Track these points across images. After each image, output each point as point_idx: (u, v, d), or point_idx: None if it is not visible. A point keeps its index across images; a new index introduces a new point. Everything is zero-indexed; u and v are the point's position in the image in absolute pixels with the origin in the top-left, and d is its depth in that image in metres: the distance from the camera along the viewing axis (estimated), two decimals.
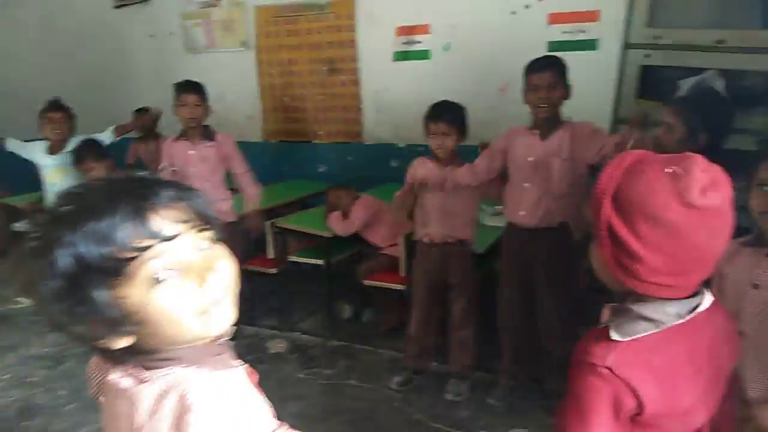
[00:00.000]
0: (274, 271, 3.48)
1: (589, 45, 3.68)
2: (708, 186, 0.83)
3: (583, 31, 3.70)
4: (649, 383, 0.86)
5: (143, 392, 0.70)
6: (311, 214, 3.65)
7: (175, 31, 4.96)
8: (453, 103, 2.65)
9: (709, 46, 3.10)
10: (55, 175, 3.65)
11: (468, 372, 2.75)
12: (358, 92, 4.51)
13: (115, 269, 0.65)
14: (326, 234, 3.30)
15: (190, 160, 3.12)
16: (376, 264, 3.29)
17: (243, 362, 0.81)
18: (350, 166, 4.63)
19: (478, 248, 2.77)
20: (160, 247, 0.67)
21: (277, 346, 3.32)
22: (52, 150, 3.66)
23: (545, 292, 2.43)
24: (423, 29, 4.13)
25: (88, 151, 3.36)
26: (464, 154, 2.70)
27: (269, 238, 3.44)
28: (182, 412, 0.67)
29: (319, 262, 3.36)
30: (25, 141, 3.93)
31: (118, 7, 5.15)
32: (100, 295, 0.65)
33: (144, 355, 0.72)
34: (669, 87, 3.19)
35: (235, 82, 4.84)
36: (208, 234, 0.73)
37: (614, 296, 0.99)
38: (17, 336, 3.56)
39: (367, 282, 3.23)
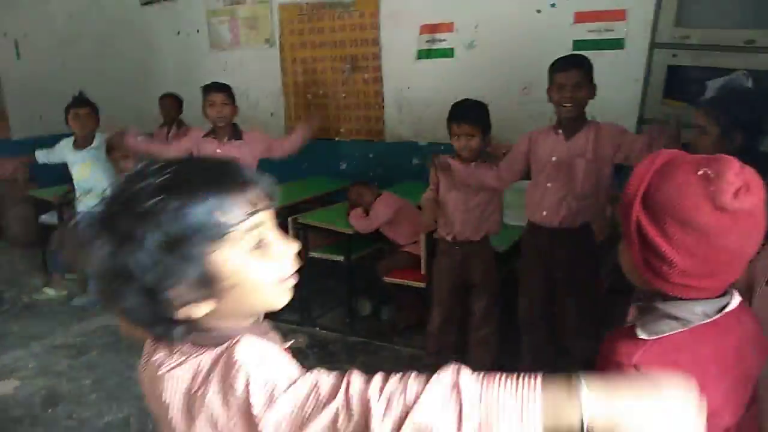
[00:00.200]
0: None
1: (616, 44, 3.63)
2: (741, 189, 0.82)
3: (610, 30, 3.65)
4: None
5: (193, 368, 0.72)
6: (332, 211, 3.67)
7: (200, 29, 5.01)
8: (475, 102, 2.61)
9: (738, 46, 3.04)
10: (83, 171, 3.72)
11: (489, 371, 2.73)
12: (380, 90, 4.52)
13: (218, 233, 0.70)
14: (347, 231, 3.31)
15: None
16: (396, 261, 3.29)
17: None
18: (371, 163, 4.64)
19: (500, 247, 2.76)
20: (254, 218, 0.73)
21: (297, 340, 3.34)
22: (78, 145, 3.72)
23: (566, 292, 2.40)
24: (447, 27, 4.12)
25: (121, 141, 3.43)
26: None
27: (290, 234, 3.46)
28: (228, 372, 0.69)
29: (340, 258, 3.38)
30: (52, 137, 4.01)
31: (145, 4, 5.23)
32: (203, 255, 0.69)
33: (202, 333, 0.75)
34: (696, 87, 3.15)
35: (258, 79, 4.88)
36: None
37: (640, 295, 0.98)
38: (43, 326, 3.63)
39: (387, 279, 3.23)
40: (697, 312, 0.88)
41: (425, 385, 0.67)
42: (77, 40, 5.68)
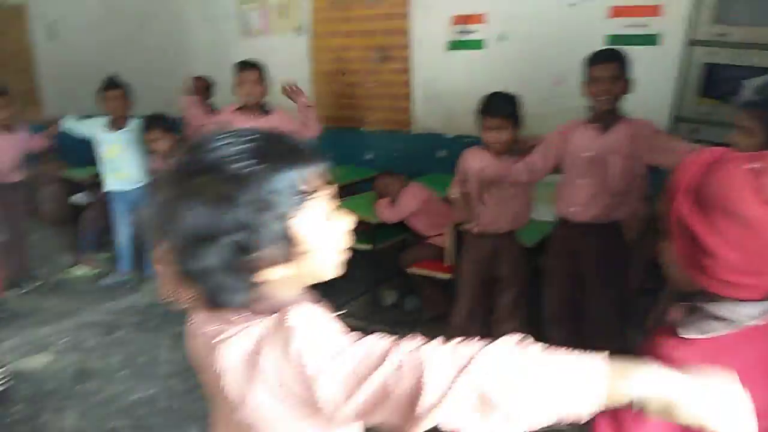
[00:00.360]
0: None
1: (650, 40, 3.58)
2: None
3: (645, 26, 3.60)
4: None
5: (248, 337, 0.75)
6: (358, 200, 3.69)
7: (231, 15, 5.04)
8: (506, 94, 2.60)
9: None
10: (113, 151, 3.79)
11: None
12: (408, 80, 4.51)
13: (301, 198, 0.75)
14: (372, 220, 3.33)
15: None
16: (421, 252, 3.30)
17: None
18: (397, 154, 4.64)
19: (528, 242, 2.75)
20: (326, 190, 0.80)
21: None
22: (112, 126, 3.78)
23: (594, 290, 2.39)
24: (478, 18, 4.09)
25: (157, 123, 3.50)
26: None
27: None
28: (283, 337, 0.72)
29: (365, 247, 3.40)
30: (87, 117, 4.06)
31: None
32: (288, 218, 0.74)
33: (261, 301, 0.77)
34: (733, 86, 3.10)
35: (287, 67, 4.88)
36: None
37: (680, 296, 0.98)
38: (73, 303, 3.72)
39: (411, 270, 3.25)
40: (742, 314, 0.88)
41: (481, 347, 0.69)
42: (110, 22, 5.75)
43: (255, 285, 0.75)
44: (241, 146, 0.73)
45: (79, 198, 4.49)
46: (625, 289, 2.41)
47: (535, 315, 2.68)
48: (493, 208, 2.57)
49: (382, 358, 0.69)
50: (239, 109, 3.24)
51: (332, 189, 0.82)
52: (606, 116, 2.32)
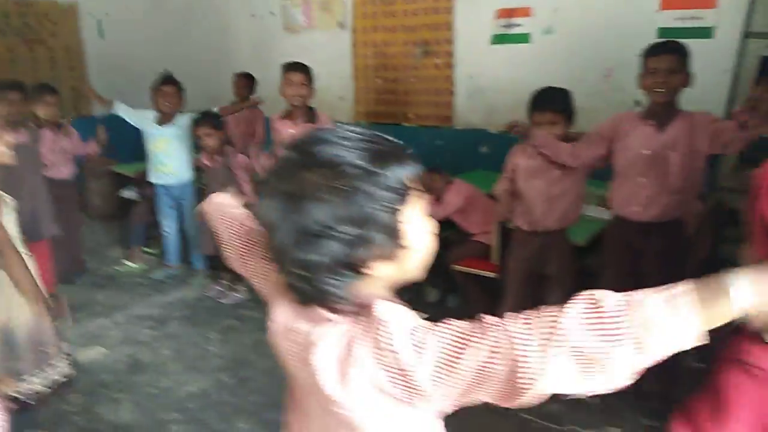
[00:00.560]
0: None
1: (704, 33, 3.47)
2: None
3: (699, 18, 3.50)
4: None
5: (341, 334, 0.77)
6: None
7: (275, 11, 5.09)
8: (557, 88, 2.54)
9: None
10: (160, 144, 3.86)
11: None
12: (451, 75, 4.48)
13: (405, 193, 0.77)
14: None
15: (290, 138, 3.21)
16: (466, 250, 3.28)
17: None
18: (439, 150, 4.62)
19: (578, 240, 2.71)
20: (420, 190, 0.80)
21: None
22: (161, 121, 3.85)
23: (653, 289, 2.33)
24: (524, 12, 4.04)
25: (208, 119, 3.56)
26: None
27: None
28: (375, 331, 0.74)
29: None
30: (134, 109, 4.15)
31: None
32: (397, 211, 0.76)
33: (354, 299, 0.79)
34: None
35: (329, 62, 4.92)
36: None
37: None
38: (125, 296, 3.82)
39: (457, 267, 3.23)
40: None
41: (564, 310, 0.69)
42: (156, 19, 5.85)
43: (357, 281, 0.77)
44: (351, 143, 0.76)
45: (127, 193, 4.60)
46: None
47: None
48: (542, 205, 2.53)
49: (474, 339, 0.71)
50: (285, 116, 3.26)
51: (423, 190, 0.82)
52: (663, 111, 2.26)
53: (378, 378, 0.73)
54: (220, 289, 3.80)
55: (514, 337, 0.69)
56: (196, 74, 5.21)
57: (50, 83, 4.29)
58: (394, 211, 0.76)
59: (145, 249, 4.38)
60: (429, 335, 0.73)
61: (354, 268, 0.76)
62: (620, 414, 2.53)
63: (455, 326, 0.73)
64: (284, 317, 0.86)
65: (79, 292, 3.86)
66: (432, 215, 0.84)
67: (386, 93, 4.83)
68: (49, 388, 2.20)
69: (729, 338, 0.93)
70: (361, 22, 4.75)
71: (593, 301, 0.69)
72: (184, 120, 3.79)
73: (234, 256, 1.10)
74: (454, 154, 4.50)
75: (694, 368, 2.69)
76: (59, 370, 2.29)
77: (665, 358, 0.68)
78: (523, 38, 4.08)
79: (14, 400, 2.01)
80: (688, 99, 2.39)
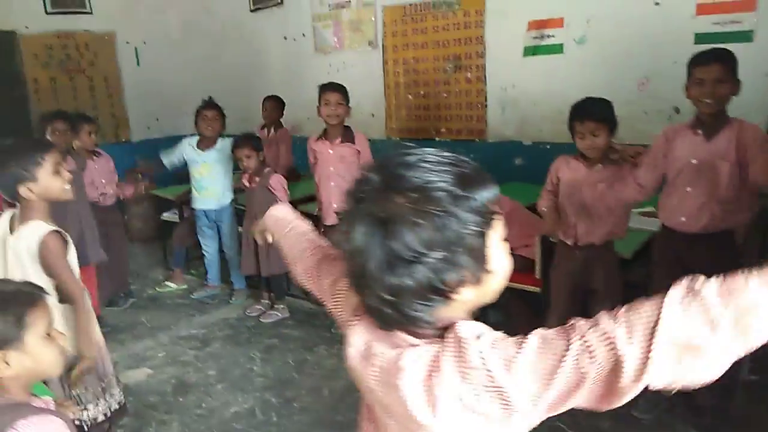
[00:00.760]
0: None
1: (744, 36, 3.40)
2: None
3: (737, 22, 3.43)
4: None
5: (424, 357, 0.77)
6: None
7: (306, 33, 5.17)
8: (598, 98, 2.50)
9: None
10: (202, 170, 3.93)
11: None
12: (483, 89, 4.47)
13: (490, 217, 0.76)
14: None
15: (329, 159, 3.26)
16: None
17: None
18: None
19: (624, 252, 2.65)
20: (500, 213, 0.79)
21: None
22: (202, 145, 3.93)
23: None
24: (557, 23, 4.01)
25: (249, 141, 3.63)
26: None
27: None
28: (459, 350, 0.74)
29: None
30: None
31: (254, 10, 5.45)
32: (485, 236, 0.76)
33: (438, 323, 0.79)
34: None
35: (361, 80, 4.96)
36: None
37: None
38: (167, 317, 3.88)
39: None
40: None
41: (658, 301, 0.69)
42: (190, 45, 6.02)
43: (443, 306, 0.77)
44: (437, 167, 0.75)
45: (168, 215, 4.69)
46: None
47: None
48: (586, 220, 2.49)
49: (566, 345, 0.70)
50: (321, 136, 3.31)
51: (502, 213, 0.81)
52: (710, 120, 2.21)
53: (469, 398, 0.73)
54: (260, 308, 3.84)
55: (613, 335, 0.68)
56: (229, 97, 5.28)
57: (89, 111, 4.44)
58: (481, 235, 0.75)
59: (186, 270, 4.45)
60: (519, 349, 0.72)
61: (442, 293, 0.75)
62: (673, 429, 2.46)
63: (542, 334, 0.73)
64: (363, 341, 0.86)
65: (123, 314, 3.94)
66: None
67: (418, 109, 4.84)
68: (106, 416, 2.24)
69: None
70: (391, 40, 4.78)
71: (692, 290, 0.68)
72: (224, 144, 3.86)
73: (305, 272, 1.11)
74: (489, 168, 4.24)
75: (749, 381, 2.61)
76: (116, 398, 2.33)
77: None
78: (556, 49, 4.06)
79: (77, 427, 2.05)
80: (729, 104, 2.34)
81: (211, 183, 3.94)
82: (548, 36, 4.08)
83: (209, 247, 4.12)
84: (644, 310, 0.69)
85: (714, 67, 2.14)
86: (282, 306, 3.79)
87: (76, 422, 1.98)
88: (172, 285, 4.31)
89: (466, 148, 4.64)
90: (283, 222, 1.24)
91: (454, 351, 0.75)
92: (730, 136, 2.17)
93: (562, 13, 3.98)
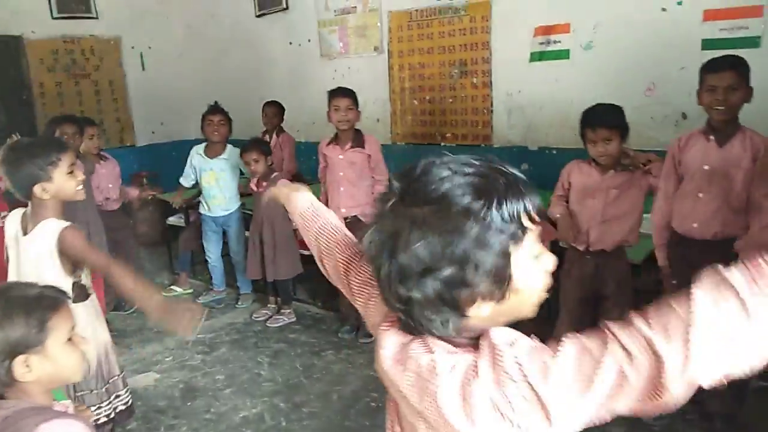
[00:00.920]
0: None
1: (751, 42, 3.41)
2: None
3: (744, 28, 3.44)
4: None
5: (459, 366, 0.75)
6: None
7: (312, 38, 5.18)
8: (610, 105, 2.51)
9: None
10: (209, 178, 3.93)
11: None
12: (489, 94, 4.48)
13: (518, 234, 0.72)
14: None
15: (339, 164, 3.26)
16: None
17: None
18: None
19: (635, 258, 2.65)
20: (537, 226, 0.75)
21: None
22: (210, 152, 3.93)
23: None
24: (563, 28, 4.02)
25: (257, 145, 3.64)
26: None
27: None
28: (494, 357, 0.72)
29: None
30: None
31: (259, 16, 5.46)
32: (507, 253, 0.72)
33: (465, 332, 0.78)
34: None
35: (366, 86, 4.96)
36: None
37: None
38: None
39: None
40: None
41: (687, 297, 0.67)
42: (195, 50, 6.03)
43: (460, 318, 0.76)
44: (466, 178, 0.73)
45: (174, 219, 4.69)
46: None
47: None
48: (598, 226, 2.49)
49: (603, 350, 0.69)
50: (332, 140, 3.31)
51: (540, 225, 0.78)
52: (723, 126, 2.22)
53: (506, 406, 0.71)
54: (267, 312, 3.83)
55: (650, 336, 0.67)
56: (233, 102, 5.29)
57: (94, 116, 4.45)
58: (501, 254, 0.72)
59: (192, 274, 4.44)
60: (555, 356, 0.71)
61: (454, 307, 0.74)
62: None
63: (576, 341, 0.72)
64: (397, 345, 0.84)
65: (129, 318, 3.93)
66: None
67: (423, 114, 4.85)
68: (109, 417, 2.23)
69: None
70: (397, 45, 4.79)
71: (719, 280, 0.67)
72: (232, 152, 3.87)
73: (334, 269, 1.08)
74: None
75: (759, 388, 2.60)
76: (122, 399, 2.32)
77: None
78: (562, 55, 4.07)
79: None
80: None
81: (219, 191, 3.94)
82: (555, 42, 4.09)
83: (212, 253, 4.11)
84: (675, 308, 0.68)
85: (727, 74, 2.15)
86: (289, 310, 3.78)
87: None
88: (178, 289, 4.30)
89: (471, 154, 4.64)
90: (311, 211, 1.19)
91: (490, 358, 0.73)
92: (744, 143, 2.18)
93: (569, 18, 3.99)
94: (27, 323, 1.19)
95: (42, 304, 1.21)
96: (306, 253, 3.99)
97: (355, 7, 4.90)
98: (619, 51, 3.83)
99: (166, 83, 5.98)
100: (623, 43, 3.80)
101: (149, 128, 5.98)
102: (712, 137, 2.24)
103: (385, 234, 0.75)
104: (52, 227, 1.93)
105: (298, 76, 5.32)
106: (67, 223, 1.94)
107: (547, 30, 4.10)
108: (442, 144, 4.78)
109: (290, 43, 5.35)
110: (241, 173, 4.01)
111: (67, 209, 2.08)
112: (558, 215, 2.58)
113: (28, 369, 1.19)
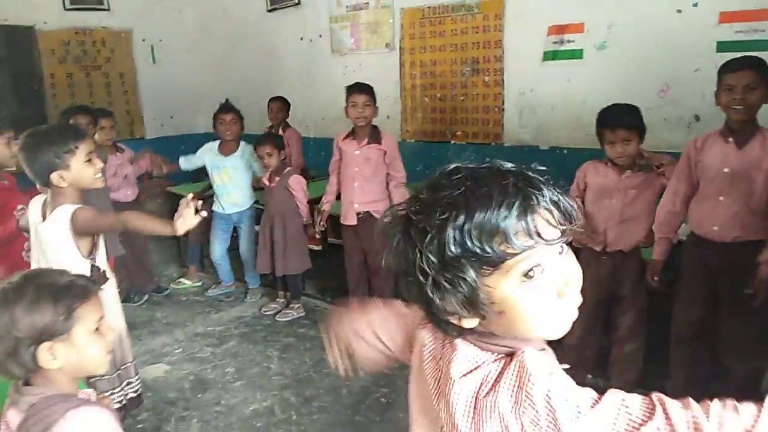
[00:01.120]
0: None
1: (767, 45, 3.40)
2: None
3: (761, 31, 3.42)
4: None
5: (481, 375, 0.75)
6: None
7: (323, 34, 5.17)
8: (627, 105, 2.50)
9: None
10: (222, 176, 3.92)
11: (631, 388, 2.63)
12: (501, 93, 4.47)
13: (494, 261, 0.68)
14: None
15: (355, 159, 3.26)
16: None
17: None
18: None
19: (648, 259, 2.64)
20: (538, 249, 0.69)
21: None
22: (224, 150, 3.92)
23: (733, 309, 2.26)
24: (577, 28, 4.01)
25: (271, 139, 3.63)
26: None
27: None
28: (522, 381, 0.71)
29: None
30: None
31: (271, 10, 5.45)
32: (473, 279, 0.69)
33: (485, 336, 0.77)
34: None
35: (377, 82, 4.88)
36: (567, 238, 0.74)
37: None
38: (183, 314, 3.88)
39: None
40: None
41: (757, 407, 0.67)
42: (206, 44, 6.03)
43: (448, 327, 0.78)
44: (449, 192, 0.70)
45: None
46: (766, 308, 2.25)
47: (655, 335, 2.57)
48: (615, 227, 2.48)
49: (648, 414, 0.67)
50: (348, 135, 3.31)
51: (559, 242, 0.71)
52: (741, 128, 2.20)
53: (514, 428, 0.70)
54: (276, 306, 3.83)
55: (701, 423, 0.66)
56: (244, 97, 5.31)
57: (104, 107, 4.45)
58: (468, 276, 0.68)
59: (201, 267, 4.45)
60: (588, 401, 0.70)
61: (441, 315, 0.75)
62: None
63: (627, 398, 0.70)
64: (433, 343, 0.87)
65: (138, 309, 3.94)
66: None
67: (434, 111, 4.84)
68: (121, 402, 2.25)
69: None
70: (408, 42, 4.79)
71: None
72: (245, 149, 3.86)
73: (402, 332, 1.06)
74: None
75: None
76: (133, 386, 2.33)
77: None
78: (575, 54, 4.05)
79: None
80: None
81: (233, 188, 3.94)
82: (568, 41, 4.08)
83: (216, 251, 4.07)
84: (740, 411, 0.66)
85: (746, 73, 2.13)
86: (298, 305, 3.79)
87: None
88: (187, 282, 4.31)
89: (483, 153, 4.63)
90: (360, 329, 1.15)
91: (516, 379, 0.71)
92: (764, 144, 2.16)
93: (583, 18, 3.98)
94: (55, 310, 1.19)
95: (72, 293, 1.21)
96: (314, 248, 4.00)
97: (368, 3, 4.89)
98: (633, 52, 3.81)
99: (177, 77, 5.98)
100: (637, 44, 3.79)
101: (158, 121, 5.99)
102: (730, 139, 2.22)
103: (390, 235, 0.77)
104: (66, 211, 1.96)
105: (308, 72, 5.32)
106: (78, 205, 1.97)
107: (561, 29, 4.08)
108: (453, 142, 4.78)
109: (301, 39, 5.34)
110: None
111: (80, 201, 2.10)
112: None
113: (52, 356, 1.19)
